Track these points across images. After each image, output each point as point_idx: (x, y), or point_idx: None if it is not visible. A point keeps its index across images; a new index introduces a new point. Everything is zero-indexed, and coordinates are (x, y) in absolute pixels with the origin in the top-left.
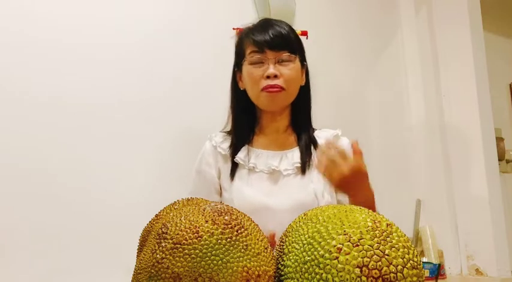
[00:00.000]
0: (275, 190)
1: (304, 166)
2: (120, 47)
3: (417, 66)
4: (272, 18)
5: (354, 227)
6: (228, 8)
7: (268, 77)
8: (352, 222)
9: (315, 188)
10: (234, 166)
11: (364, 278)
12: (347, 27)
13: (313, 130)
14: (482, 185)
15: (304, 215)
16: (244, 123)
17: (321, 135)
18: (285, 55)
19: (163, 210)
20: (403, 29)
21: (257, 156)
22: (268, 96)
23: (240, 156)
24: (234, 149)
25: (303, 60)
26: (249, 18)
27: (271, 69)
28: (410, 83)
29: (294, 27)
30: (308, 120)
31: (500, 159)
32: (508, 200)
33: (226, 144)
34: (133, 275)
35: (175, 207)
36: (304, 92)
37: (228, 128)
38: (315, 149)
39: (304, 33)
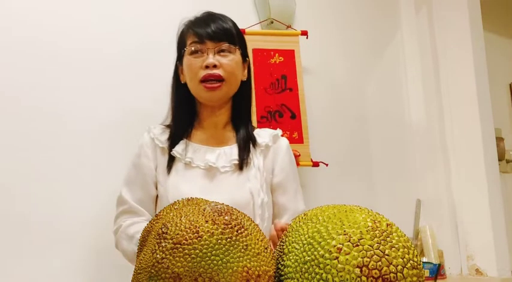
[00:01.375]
0: (211, 188)
1: (241, 163)
2: (118, 46)
3: (417, 66)
4: (216, 12)
5: (354, 227)
6: (228, 8)
7: (207, 67)
8: (352, 222)
9: (251, 186)
10: (171, 160)
11: (364, 278)
12: (347, 27)
13: (253, 128)
14: (482, 185)
15: (304, 215)
16: (184, 117)
17: (261, 134)
18: (225, 45)
19: (163, 210)
20: (403, 29)
21: (194, 150)
22: (208, 91)
23: (177, 149)
24: (172, 142)
25: (244, 54)
26: (249, 18)
27: (211, 59)
28: (410, 83)
29: (294, 27)
30: (248, 116)
31: (500, 159)
32: (508, 200)
33: (165, 136)
34: (134, 275)
35: (175, 207)
36: (246, 88)
37: (168, 122)
38: (254, 147)
39: (304, 33)
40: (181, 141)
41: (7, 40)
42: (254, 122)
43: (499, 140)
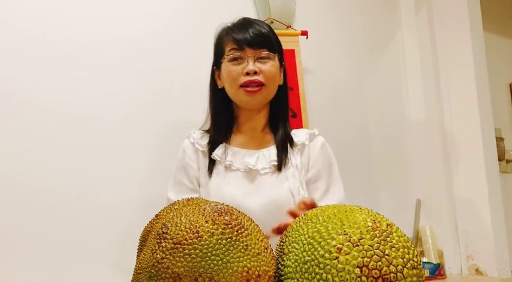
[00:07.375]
0: (252, 189)
1: (280, 164)
2: (116, 44)
3: (417, 66)
4: (252, 18)
5: (354, 227)
6: (228, 8)
7: (247, 74)
8: (352, 222)
9: (290, 185)
10: (211, 163)
11: (364, 278)
12: (347, 27)
13: (290, 129)
14: (482, 185)
15: (304, 215)
16: (223, 121)
17: (298, 134)
18: (265, 53)
19: (163, 210)
20: (403, 29)
21: (234, 154)
22: (248, 94)
23: (217, 153)
24: (212, 145)
25: (281, 60)
26: None
27: (251, 66)
28: (410, 83)
29: (294, 27)
30: (285, 119)
31: (500, 159)
32: (508, 200)
33: (205, 141)
34: (134, 275)
35: (176, 207)
36: (282, 92)
37: (206, 127)
38: (291, 146)
39: (304, 33)
40: (221, 145)
41: (21, 38)
42: None
43: (499, 140)
